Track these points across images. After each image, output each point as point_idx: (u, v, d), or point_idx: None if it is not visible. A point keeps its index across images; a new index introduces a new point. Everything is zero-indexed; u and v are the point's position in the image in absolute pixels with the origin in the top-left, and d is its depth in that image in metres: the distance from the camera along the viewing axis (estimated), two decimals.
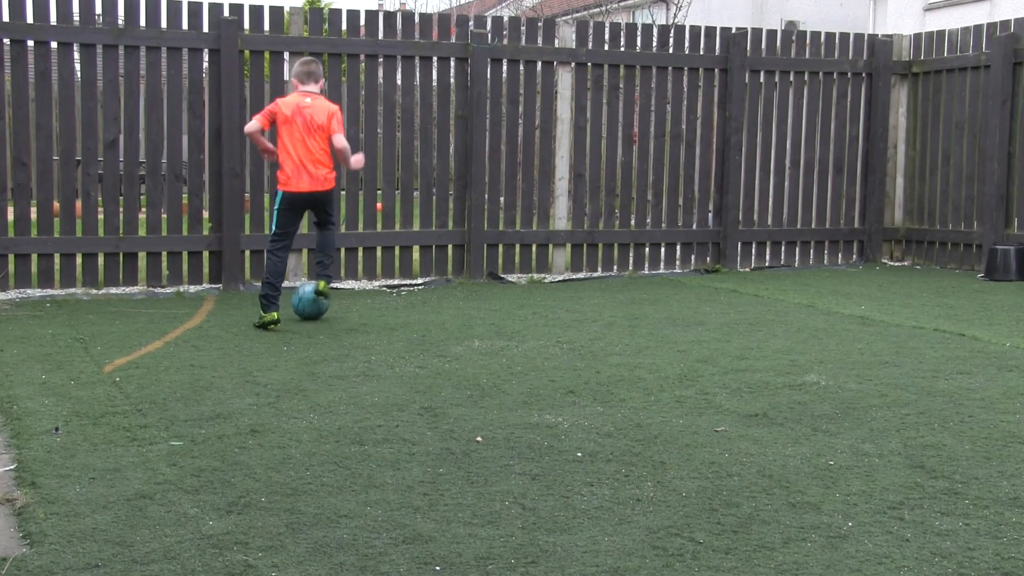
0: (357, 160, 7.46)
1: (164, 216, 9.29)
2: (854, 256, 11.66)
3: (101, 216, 9.10)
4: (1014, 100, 10.53)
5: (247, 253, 9.33)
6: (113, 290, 8.96)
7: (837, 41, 11.41)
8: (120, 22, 9.05)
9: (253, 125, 7.31)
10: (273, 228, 7.30)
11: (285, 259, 7.30)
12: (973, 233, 10.92)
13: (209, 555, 3.25)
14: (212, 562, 3.20)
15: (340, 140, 7.31)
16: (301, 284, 7.91)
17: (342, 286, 9.47)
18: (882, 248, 11.77)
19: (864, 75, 11.49)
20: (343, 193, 9.87)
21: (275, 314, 7.10)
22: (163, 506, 3.67)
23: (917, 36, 11.79)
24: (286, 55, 9.60)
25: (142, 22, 8.97)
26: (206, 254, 9.32)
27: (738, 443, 4.51)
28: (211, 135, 9.25)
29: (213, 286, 9.22)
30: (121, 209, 9.07)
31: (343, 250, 9.67)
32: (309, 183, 7.23)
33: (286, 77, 9.76)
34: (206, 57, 9.31)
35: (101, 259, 9.06)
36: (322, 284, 7.32)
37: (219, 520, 3.55)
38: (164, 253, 9.21)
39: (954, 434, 4.66)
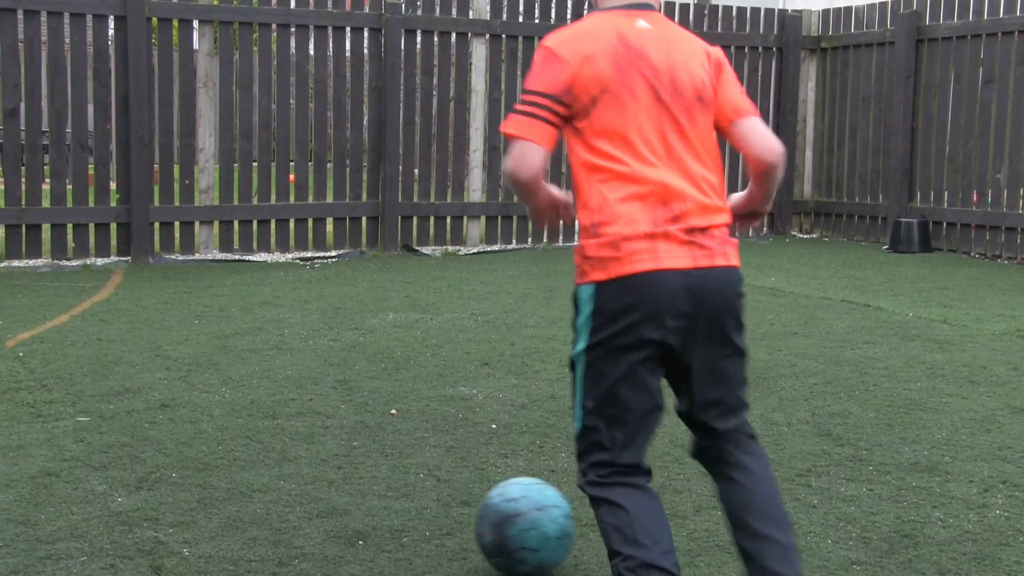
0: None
1: (70, 187, 9.06)
2: (764, 229, 11.84)
3: (2, 187, 8.83)
4: (917, 76, 10.77)
5: (156, 225, 9.16)
6: (16, 263, 8.73)
7: (748, 16, 11.55)
8: None
9: (536, 160, 2.44)
10: (577, 417, 2.54)
11: (637, 500, 2.49)
12: (879, 206, 11.16)
13: (118, 532, 3.20)
14: (121, 539, 3.15)
15: (768, 137, 2.60)
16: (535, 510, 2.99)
17: (254, 258, 9.34)
18: (792, 221, 11.96)
19: (775, 49, 11.65)
20: (255, 164, 9.71)
21: None
22: (70, 483, 3.60)
23: (826, 12, 12.00)
24: (195, 23, 9.40)
25: None
26: (114, 226, 9.12)
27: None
28: (118, 104, 9.03)
29: (121, 259, 9.03)
30: (23, 180, 8.83)
31: (255, 223, 9.53)
32: (681, 248, 2.45)
33: (195, 46, 9.56)
34: (112, 24, 9.08)
35: (3, 231, 8.81)
36: None
37: (128, 496, 3.49)
38: (70, 225, 8.99)
39: (859, 402, 4.78)
